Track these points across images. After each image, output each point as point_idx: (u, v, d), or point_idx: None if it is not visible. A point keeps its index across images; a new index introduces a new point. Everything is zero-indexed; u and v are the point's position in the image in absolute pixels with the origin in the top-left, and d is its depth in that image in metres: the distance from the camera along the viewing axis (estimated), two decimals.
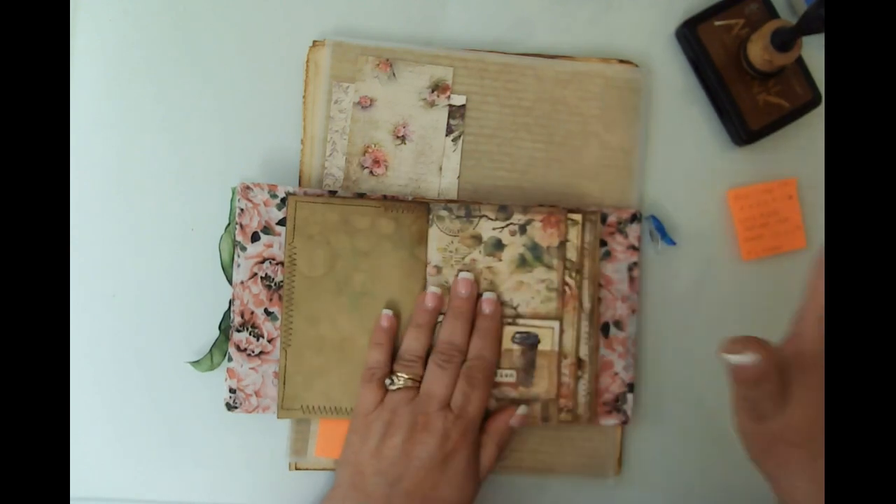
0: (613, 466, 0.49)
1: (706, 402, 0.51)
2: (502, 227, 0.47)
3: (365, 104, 0.49)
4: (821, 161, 0.52)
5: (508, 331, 0.47)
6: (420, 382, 0.45)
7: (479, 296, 0.47)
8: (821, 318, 0.35)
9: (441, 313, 0.47)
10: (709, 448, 0.51)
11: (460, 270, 0.47)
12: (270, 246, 0.47)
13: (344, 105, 0.49)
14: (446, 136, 0.49)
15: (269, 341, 0.47)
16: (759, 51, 0.48)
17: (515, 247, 0.47)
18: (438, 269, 0.47)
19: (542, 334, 0.47)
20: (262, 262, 0.47)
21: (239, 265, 0.47)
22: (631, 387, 0.49)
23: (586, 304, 0.48)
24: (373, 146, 0.49)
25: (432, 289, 0.47)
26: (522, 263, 0.47)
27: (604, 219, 0.49)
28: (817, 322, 0.36)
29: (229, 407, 0.47)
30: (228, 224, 0.49)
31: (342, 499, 0.44)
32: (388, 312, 0.46)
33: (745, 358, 0.34)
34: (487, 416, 0.47)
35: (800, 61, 0.50)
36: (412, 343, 0.46)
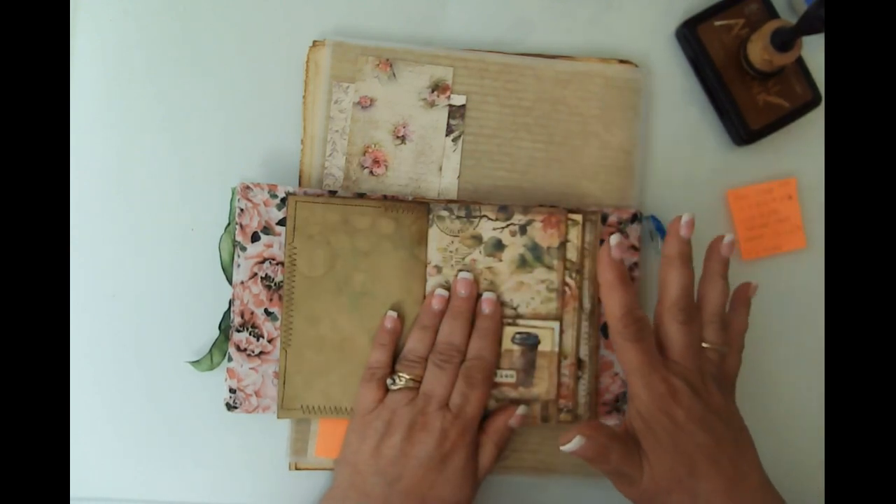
0: None
1: None
2: (502, 228, 0.47)
3: (365, 104, 0.49)
4: (821, 161, 0.52)
5: (508, 331, 0.47)
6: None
7: (479, 296, 0.47)
8: (643, 373, 0.40)
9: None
10: None
11: (460, 270, 0.47)
12: (270, 246, 0.47)
13: (344, 105, 0.49)
14: (446, 136, 0.49)
15: (269, 341, 0.47)
16: (759, 51, 0.48)
17: (516, 247, 0.47)
18: (438, 269, 0.47)
19: (542, 335, 0.47)
20: (262, 262, 0.47)
21: (239, 265, 0.47)
22: None
23: (586, 305, 0.48)
24: (373, 146, 0.49)
25: (440, 291, 0.47)
26: (523, 264, 0.47)
27: (604, 219, 0.49)
28: (642, 381, 0.40)
29: (229, 407, 0.47)
30: (228, 224, 0.49)
31: (341, 498, 0.44)
32: (392, 314, 0.46)
33: (573, 444, 0.39)
34: (487, 416, 0.47)
35: (800, 61, 0.50)
36: (416, 344, 0.46)
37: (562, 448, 0.40)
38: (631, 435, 0.41)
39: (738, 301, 0.46)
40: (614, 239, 0.42)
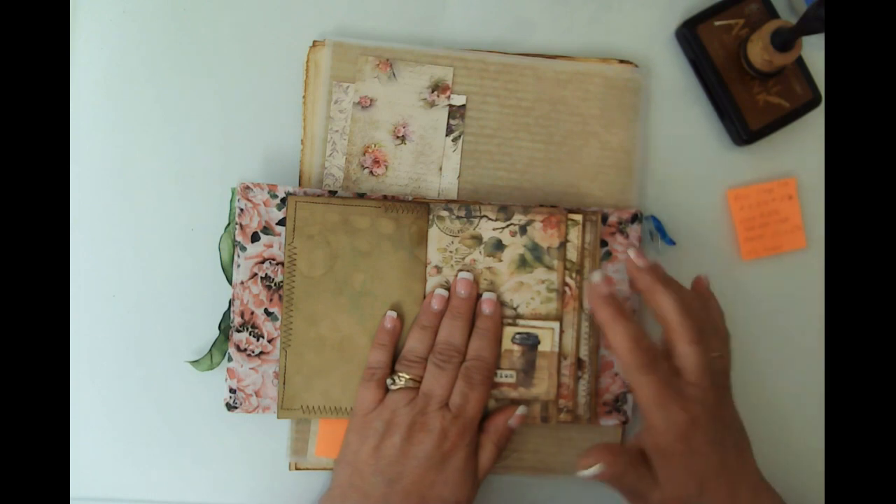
0: None
1: None
2: (502, 228, 0.47)
3: (365, 104, 0.49)
4: (821, 161, 0.52)
5: (508, 331, 0.47)
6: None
7: (479, 296, 0.47)
8: (661, 405, 0.39)
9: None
10: None
11: (460, 271, 0.47)
12: (270, 246, 0.47)
13: (344, 105, 0.49)
14: (446, 136, 0.49)
15: (269, 341, 0.47)
16: (759, 51, 0.48)
17: (516, 247, 0.47)
18: (438, 270, 0.47)
19: (543, 335, 0.47)
20: (262, 262, 0.47)
21: (239, 265, 0.47)
22: None
23: (586, 305, 0.48)
24: (373, 146, 0.49)
25: (440, 291, 0.47)
26: (523, 264, 0.47)
27: (604, 219, 0.49)
28: (661, 414, 0.39)
29: (229, 407, 0.47)
30: (228, 224, 0.49)
31: (341, 498, 0.44)
32: (392, 314, 0.46)
33: (593, 470, 0.39)
34: (487, 416, 0.47)
35: (800, 61, 0.50)
36: (416, 344, 0.46)
37: (580, 474, 0.39)
38: (643, 454, 0.40)
39: (703, 295, 0.45)
40: (597, 275, 0.41)
